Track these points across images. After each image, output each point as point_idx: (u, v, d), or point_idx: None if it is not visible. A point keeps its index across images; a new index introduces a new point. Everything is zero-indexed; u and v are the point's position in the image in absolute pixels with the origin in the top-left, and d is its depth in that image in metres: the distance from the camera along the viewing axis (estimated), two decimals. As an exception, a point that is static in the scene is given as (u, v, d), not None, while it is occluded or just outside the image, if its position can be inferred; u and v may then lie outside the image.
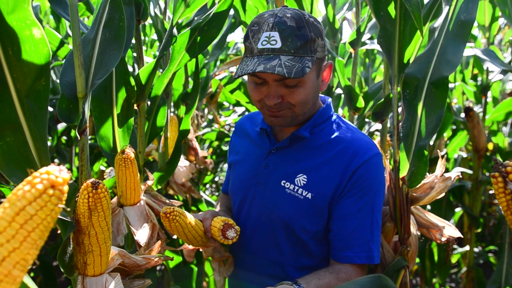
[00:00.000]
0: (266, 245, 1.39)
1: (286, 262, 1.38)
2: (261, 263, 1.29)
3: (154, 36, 4.29)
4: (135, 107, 1.79)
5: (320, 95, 1.46)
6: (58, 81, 3.40)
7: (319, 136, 1.39)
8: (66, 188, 0.62)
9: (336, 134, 1.38)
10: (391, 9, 1.50)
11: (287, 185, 1.35)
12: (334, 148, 1.35)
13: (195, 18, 2.04)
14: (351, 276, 1.30)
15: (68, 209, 0.79)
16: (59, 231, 1.18)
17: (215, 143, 4.27)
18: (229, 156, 1.67)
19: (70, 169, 3.93)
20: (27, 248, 0.61)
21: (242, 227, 1.44)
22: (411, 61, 1.53)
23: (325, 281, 1.26)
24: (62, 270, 1.11)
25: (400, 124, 1.52)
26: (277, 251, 1.39)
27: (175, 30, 1.84)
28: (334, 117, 1.44)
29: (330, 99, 1.46)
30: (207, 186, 4.62)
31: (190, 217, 1.35)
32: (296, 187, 1.34)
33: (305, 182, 1.33)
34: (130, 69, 3.07)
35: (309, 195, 1.32)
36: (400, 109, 1.66)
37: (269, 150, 1.43)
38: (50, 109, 3.63)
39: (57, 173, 0.62)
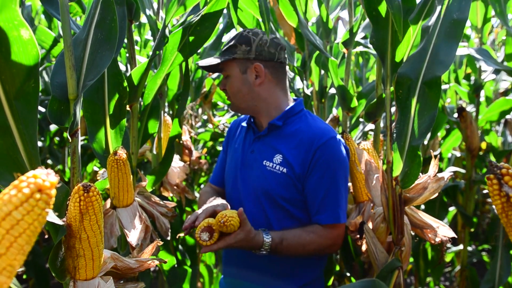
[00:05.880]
0: (255, 213, 1.71)
1: (272, 227, 1.69)
2: None
3: (148, 36, 4.27)
4: (128, 108, 1.78)
5: (295, 97, 1.88)
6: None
7: (290, 126, 1.75)
8: (53, 192, 0.61)
9: (303, 124, 1.75)
10: (384, 9, 1.49)
11: (268, 163, 1.71)
12: (300, 134, 1.71)
13: (188, 18, 2.02)
14: (317, 229, 1.66)
15: (57, 214, 0.78)
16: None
17: (210, 144, 4.25)
18: (225, 144, 2.01)
19: (63, 170, 3.90)
20: (14, 254, 0.59)
21: (237, 201, 1.79)
22: (403, 61, 1.53)
23: (291, 230, 1.64)
24: (53, 274, 1.10)
25: (393, 124, 1.52)
26: (264, 217, 1.71)
27: (167, 31, 1.83)
28: (303, 112, 1.81)
29: (301, 99, 1.85)
30: (202, 186, 4.60)
31: (235, 217, 1.50)
32: (275, 165, 1.70)
33: (281, 160, 1.69)
34: (123, 68, 3.05)
35: (284, 170, 1.68)
36: (393, 109, 1.66)
37: (253, 139, 1.80)
38: (43, 109, 3.60)
39: (44, 176, 0.60)
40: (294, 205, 1.70)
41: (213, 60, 1.75)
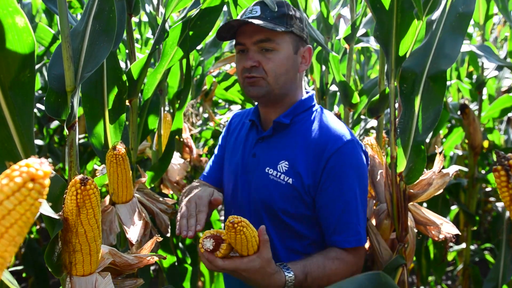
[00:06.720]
0: None
1: (274, 245, 1.40)
2: None
3: (149, 35, 4.24)
4: (127, 103, 1.75)
5: (307, 90, 1.56)
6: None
7: (299, 125, 1.46)
8: (47, 181, 0.58)
9: (314, 123, 1.45)
10: (388, 1, 1.47)
11: (271, 171, 1.42)
12: (311, 136, 1.42)
13: (188, 14, 2.00)
14: (340, 255, 1.36)
15: (50, 204, 0.76)
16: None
17: (210, 142, 4.23)
18: (223, 140, 1.73)
19: (63, 168, 3.88)
20: (5, 245, 0.57)
21: (237, 214, 1.44)
22: (408, 55, 1.50)
23: (313, 260, 1.32)
24: (50, 269, 1.07)
25: (397, 119, 1.49)
26: None
27: (167, 25, 1.80)
28: (315, 107, 1.52)
29: (313, 92, 1.55)
30: (202, 185, 4.58)
31: (252, 228, 1.16)
32: (279, 173, 1.41)
33: (286, 168, 1.40)
34: (123, 65, 3.02)
35: (290, 180, 1.39)
36: (397, 104, 1.63)
37: (256, 140, 1.51)
38: (43, 107, 3.58)
39: (38, 165, 0.58)
40: (301, 222, 1.42)
41: (266, 24, 1.33)
